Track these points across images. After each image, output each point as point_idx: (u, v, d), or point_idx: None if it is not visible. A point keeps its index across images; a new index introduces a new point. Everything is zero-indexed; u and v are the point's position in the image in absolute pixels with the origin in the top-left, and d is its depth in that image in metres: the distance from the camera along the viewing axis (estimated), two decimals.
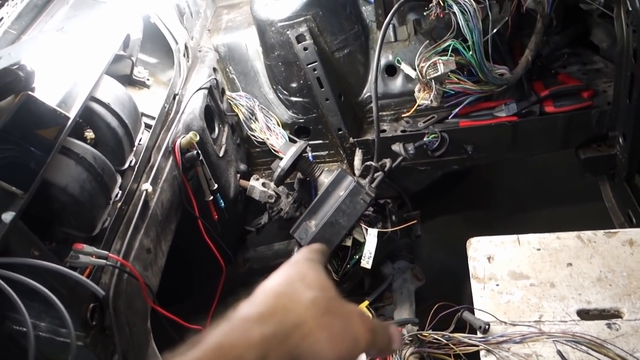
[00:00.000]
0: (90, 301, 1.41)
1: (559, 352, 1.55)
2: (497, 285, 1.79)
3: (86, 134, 1.67)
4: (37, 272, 1.22)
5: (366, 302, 2.24)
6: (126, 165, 1.75)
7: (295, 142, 2.34)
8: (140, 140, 1.86)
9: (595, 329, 1.60)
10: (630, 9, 1.88)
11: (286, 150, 2.24)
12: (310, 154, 2.35)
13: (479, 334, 1.65)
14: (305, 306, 0.68)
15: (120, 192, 1.66)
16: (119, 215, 1.62)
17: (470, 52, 2.05)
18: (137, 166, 1.76)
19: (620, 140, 2.22)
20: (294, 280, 0.73)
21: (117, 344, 1.44)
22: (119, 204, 1.63)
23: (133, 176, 1.73)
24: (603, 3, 2.07)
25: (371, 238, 2.10)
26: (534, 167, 3.29)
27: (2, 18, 1.59)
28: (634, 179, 2.28)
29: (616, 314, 1.65)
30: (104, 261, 1.42)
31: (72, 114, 1.46)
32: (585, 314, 1.67)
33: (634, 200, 2.21)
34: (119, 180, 1.68)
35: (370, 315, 2.18)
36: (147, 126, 1.95)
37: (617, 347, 1.53)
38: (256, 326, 0.65)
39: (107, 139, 1.68)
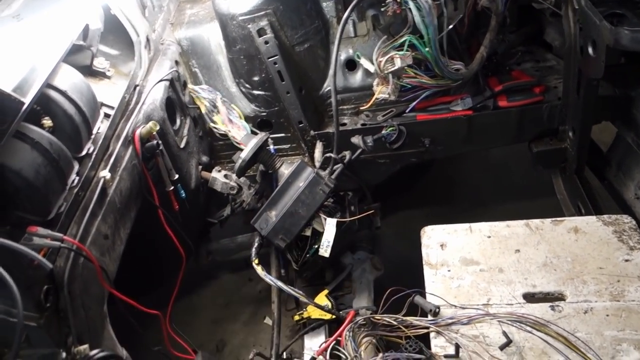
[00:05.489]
0: (44, 283, 1.42)
1: (504, 333, 1.61)
2: (449, 270, 1.85)
3: (43, 121, 1.67)
4: None
5: (326, 291, 2.29)
6: (84, 153, 1.76)
7: (256, 134, 2.38)
8: (98, 129, 1.87)
9: (539, 311, 1.68)
10: (576, 7, 1.96)
11: (247, 141, 2.27)
12: (272, 147, 2.39)
13: (430, 317, 1.70)
14: None
15: (78, 178, 1.67)
16: (75, 201, 1.63)
17: (427, 48, 2.12)
18: (94, 154, 1.77)
19: (570, 134, 2.30)
20: None
21: (72, 326, 1.45)
22: (76, 190, 1.64)
23: (91, 163, 1.74)
24: (554, 2, 2.15)
25: (330, 227, 2.15)
26: (494, 163, 3.39)
27: None
28: (584, 172, 2.38)
29: (560, 297, 1.72)
30: (59, 243, 1.43)
31: (27, 99, 1.47)
32: (530, 297, 1.74)
33: (583, 192, 2.30)
34: (76, 166, 1.69)
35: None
36: (107, 115, 1.96)
37: (559, 327, 1.60)
38: None
39: (64, 126, 1.69)
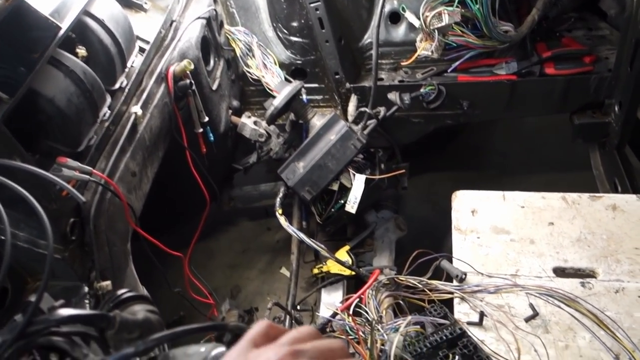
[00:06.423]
0: (71, 216, 1.40)
1: (531, 305, 1.58)
2: (478, 238, 1.81)
3: (78, 50, 1.62)
4: (18, 179, 1.20)
5: (347, 247, 2.27)
6: (117, 86, 1.72)
7: (290, 82, 2.31)
8: (133, 63, 1.82)
9: (569, 286, 1.63)
10: None
11: (281, 89, 2.21)
12: (304, 96, 2.32)
13: (455, 283, 1.67)
14: None
15: (109, 111, 1.63)
16: (106, 135, 1.60)
17: (477, 6, 2.02)
18: (127, 88, 1.73)
19: (616, 109, 2.21)
20: None
21: (96, 261, 1.44)
22: (107, 124, 1.60)
23: (123, 98, 1.70)
24: None
25: (358, 183, 2.10)
26: (526, 132, 3.29)
27: None
28: (624, 149, 2.29)
29: (591, 274, 1.68)
30: (88, 177, 1.41)
31: (64, 24, 1.43)
32: (560, 272, 1.69)
33: (622, 169, 2.22)
34: (109, 99, 1.65)
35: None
36: (141, 50, 1.90)
37: (588, 304, 1.56)
38: None
39: (99, 57, 1.65)
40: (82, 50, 1.63)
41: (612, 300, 1.59)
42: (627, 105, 2.12)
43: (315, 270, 2.31)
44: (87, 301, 1.37)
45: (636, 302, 1.58)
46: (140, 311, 0.93)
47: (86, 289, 1.40)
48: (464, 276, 1.67)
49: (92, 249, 1.45)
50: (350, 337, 1.45)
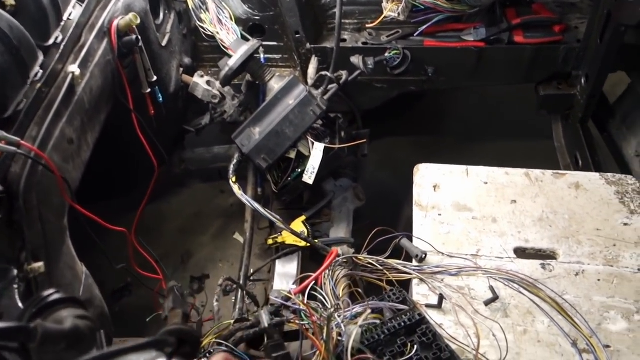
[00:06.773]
0: None
1: (491, 288, 1.54)
2: (440, 215, 1.74)
3: None
4: None
5: (303, 217, 2.18)
6: (51, 42, 1.54)
7: (247, 40, 2.15)
8: (70, 15, 1.64)
9: (529, 268, 1.60)
10: None
11: (237, 47, 2.06)
12: (262, 56, 2.18)
13: (415, 263, 1.61)
14: None
15: (42, 71, 1.46)
16: (37, 98, 1.43)
17: None
18: (63, 44, 1.55)
19: (582, 81, 2.16)
20: None
21: (27, 240, 1.31)
22: (39, 85, 1.43)
23: (58, 55, 1.53)
24: None
25: (317, 152, 2.00)
26: (489, 100, 3.23)
27: None
28: (588, 122, 2.26)
29: (552, 255, 1.65)
30: (14, 149, 1.25)
31: None
32: (521, 252, 1.66)
33: (584, 143, 2.19)
34: (41, 57, 1.48)
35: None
36: (80, 0, 1.71)
37: (547, 288, 1.53)
38: None
39: (29, 7, 1.46)
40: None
41: (571, 283, 1.56)
42: (594, 78, 2.07)
43: (270, 241, 2.22)
44: (15, 286, 1.24)
45: (595, 286, 1.55)
46: (68, 318, 0.82)
47: (15, 272, 1.27)
48: (424, 256, 1.61)
49: (22, 227, 1.31)
50: (304, 322, 1.37)
